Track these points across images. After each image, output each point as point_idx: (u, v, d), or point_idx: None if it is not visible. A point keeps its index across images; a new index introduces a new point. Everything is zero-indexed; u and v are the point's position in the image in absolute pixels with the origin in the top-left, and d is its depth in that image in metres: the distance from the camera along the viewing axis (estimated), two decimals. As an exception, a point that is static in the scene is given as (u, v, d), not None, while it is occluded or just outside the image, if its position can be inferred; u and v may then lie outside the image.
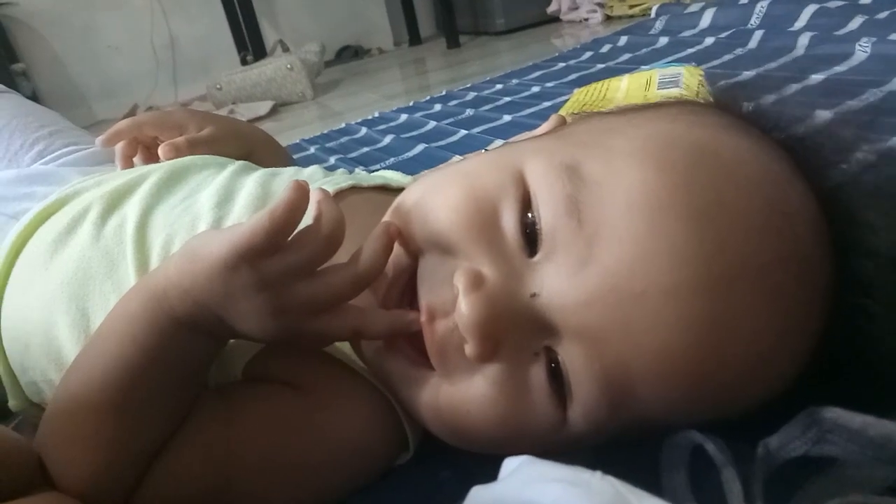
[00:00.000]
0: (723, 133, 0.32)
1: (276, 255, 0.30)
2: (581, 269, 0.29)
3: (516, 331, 0.30)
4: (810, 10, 1.24)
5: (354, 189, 0.46)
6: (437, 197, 0.32)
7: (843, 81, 0.89)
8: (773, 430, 0.30)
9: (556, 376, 0.30)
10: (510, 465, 0.25)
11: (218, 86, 2.06)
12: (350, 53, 2.71)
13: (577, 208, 0.29)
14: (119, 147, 0.54)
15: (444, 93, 1.47)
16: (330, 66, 2.53)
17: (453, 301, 0.30)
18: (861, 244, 0.32)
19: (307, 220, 0.31)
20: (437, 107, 1.32)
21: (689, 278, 0.28)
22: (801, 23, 1.23)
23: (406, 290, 0.33)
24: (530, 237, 0.30)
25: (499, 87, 1.39)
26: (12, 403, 0.43)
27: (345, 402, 0.36)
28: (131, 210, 0.43)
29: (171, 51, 2.55)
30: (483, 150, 0.40)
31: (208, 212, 0.42)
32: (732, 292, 0.28)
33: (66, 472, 0.32)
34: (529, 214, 0.30)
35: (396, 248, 0.33)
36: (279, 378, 0.36)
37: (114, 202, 0.45)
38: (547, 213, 0.30)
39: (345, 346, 0.35)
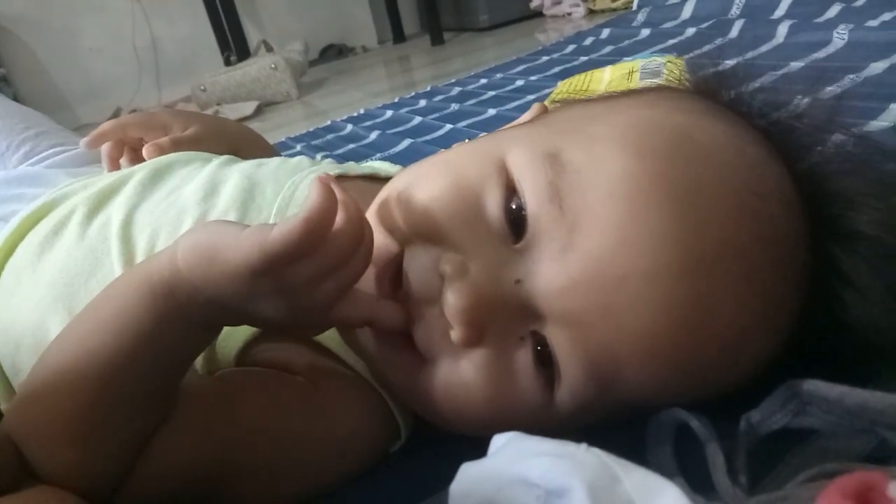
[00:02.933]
0: (701, 118, 0.33)
1: (304, 259, 0.29)
2: (563, 255, 0.29)
3: (501, 316, 0.30)
4: (789, -2, 1.25)
5: (342, 178, 0.46)
6: (421, 187, 0.33)
7: (821, 68, 0.90)
8: (754, 405, 0.32)
9: (544, 359, 0.31)
10: (498, 441, 0.26)
11: (202, 87, 2.05)
12: (334, 52, 2.70)
13: (558, 195, 0.30)
14: (104, 148, 0.54)
15: (428, 88, 1.47)
16: (314, 65, 2.52)
17: (439, 289, 0.30)
18: (838, 223, 0.33)
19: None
20: (422, 102, 1.33)
21: (668, 262, 0.28)
22: (780, 11, 1.24)
23: (394, 279, 0.33)
24: (514, 224, 0.31)
25: (483, 81, 1.40)
26: (4, 406, 0.43)
27: (339, 386, 0.36)
28: (116, 209, 0.43)
29: (154, 52, 2.53)
30: (466, 140, 0.41)
31: (194, 206, 0.42)
32: (711, 274, 0.29)
33: (46, 466, 0.31)
34: (513, 202, 0.31)
35: (384, 237, 0.33)
36: (274, 365, 0.36)
37: (99, 203, 0.45)
38: (530, 200, 0.30)
39: (334, 335, 0.36)
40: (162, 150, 0.52)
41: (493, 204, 0.31)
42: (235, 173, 0.45)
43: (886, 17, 1.04)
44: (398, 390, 0.35)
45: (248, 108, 1.96)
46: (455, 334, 0.30)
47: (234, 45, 2.31)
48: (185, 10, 2.50)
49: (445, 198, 0.32)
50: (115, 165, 0.54)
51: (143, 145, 0.53)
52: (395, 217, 0.33)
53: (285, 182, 0.44)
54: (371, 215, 0.34)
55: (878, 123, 0.66)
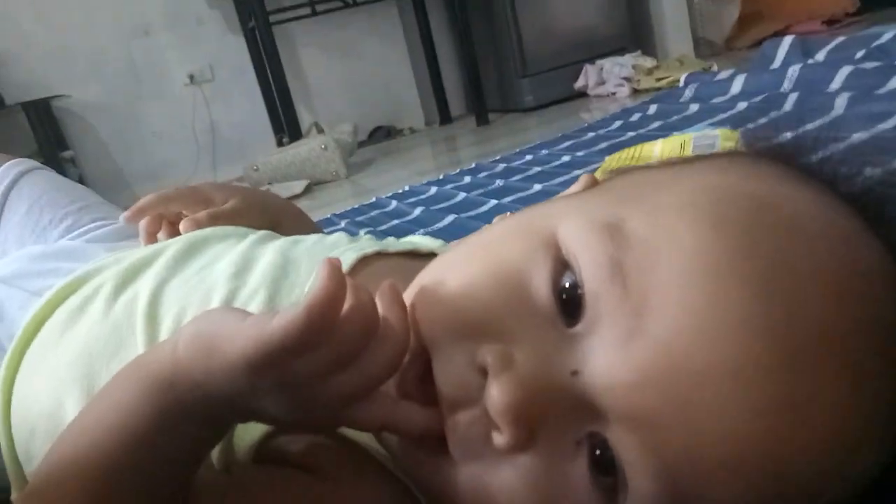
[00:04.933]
0: (781, 184, 0.29)
1: (307, 353, 0.26)
2: (629, 342, 0.25)
3: (554, 415, 0.26)
4: (845, 71, 1.22)
5: (380, 255, 0.43)
6: (454, 275, 0.29)
7: (889, 139, 0.85)
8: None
9: (604, 468, 0.26)
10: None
11: (255, 167, 2.12)
12: (382, 133, 2.78)
13: (621, 272, 0.25)
14: (143, 224, 0.52)
15: (473, 165, 1.47)
16: (363, 146, 2.60)
17: (478, 387, 0.26)
18: None
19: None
20: (467, 178, 1.32)
21: (756, 355, 0.24)
22: (836, 84, 1.21)
23: (421, 379, 0.29)
24: (568, 305, 0.26)
25: (528, 157, 1.39)
26: (15, 496, 0.41)
27: (363, 490, 0.32)
28: (144, 284, 0.41)
29: (212, 135, 2.65)
30: (508, 214, 0.37)
31: (224, 283, 0.40)
32: (809, 370, 0.24)
33: None
34: (567, 281, 0.27)
35: (416, 344, 0.28)
36: (293, 461, 0.32)
37: (128, 278, 0.43)
38: (587, 276, 0.26)
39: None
40: (199, 225, 0.50)
41: (541, 281, 0.27)
42: (270, 250, 0.43)
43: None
44: (430, 495, 0.30)
45: (298, 186, 2.01)
46: (500, 437, 0.25)
47: (286, 127, 2.40)
48: (243, 95, 2.63)
49: (484, 284, 0.28)
50: (152, 240, 0.53)
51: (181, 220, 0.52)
52: (421, 313, 0.29)
53: (321, 259, 0.41)
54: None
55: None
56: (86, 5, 2.45)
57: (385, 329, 0.27)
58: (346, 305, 0.26)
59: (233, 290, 0.40)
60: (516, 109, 2.59)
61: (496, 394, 0.25)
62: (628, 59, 2.40)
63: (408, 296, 0.30)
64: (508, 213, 0.41)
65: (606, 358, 0.25)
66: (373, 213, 1.22)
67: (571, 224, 0.28)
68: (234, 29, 2.62)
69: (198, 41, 2.61)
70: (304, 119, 2.53)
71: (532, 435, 0.25)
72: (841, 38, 1.45)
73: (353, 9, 2.62)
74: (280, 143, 2.43)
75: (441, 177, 1.43)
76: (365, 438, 0.32)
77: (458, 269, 0.30)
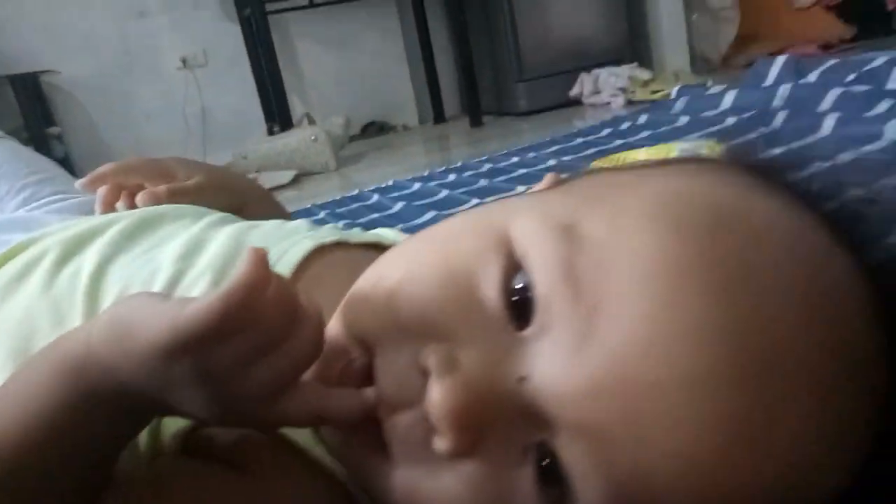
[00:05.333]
0: (750, 195, 0.28)
1: (226, 341, 0.24)
2: (581, 348, 0.23)
3: (500, 422, 0.24)
4: (835, 93, 1.22)
5: (340, 245, 0.42)
6: (402, 269, 0.28)
7: (873, 161, 0.85)
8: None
9: (550, 479, 0.24)
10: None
11: (244, 155, 2.10)
12: (375, 129, 2.76)
13: (574, 274, 0.24)
14: (100, 192, 0.50)
15: (459, 164, 1.46)
16: (355, 140, 2.58)
17: (420, 389, 0.24)
18: None
19: None
20: (452, 176, 1.31)
21: (713, 366, 0.22)
22: (826, 105, 1.21)
23: (364, 380, 0.27)
24: (519, 308, 0.25)
25: (515, 159, 1.39)
26: None
27: (290, 489, 0.30)
28: (89, 258, 0.39)
29: (202, 120, 2.62)
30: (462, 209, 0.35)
31: (170, 264, 0.38)
32: (768, 384, 0.23)
33: None
34: (517, 281, 0.25)
35: (350, 335, 0.28)
36: (219, 454, 0.31)
37: (72, 248, 0.41)
38: (539, 278, 0.25)
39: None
40: (158, 199, 0.48)
41: (491, 281, 0.25)
42: (223, 234, 0.41)
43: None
44: (372, 497, 0.29)
45: (286, 177, 1.99)
46: (440, 442, 0.24)
47: (278, 116, 2.38)
48: (235, 82, 2.61)
49: (431, 281, 0.26)
50: (108, 210, 0.50)
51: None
52: (364, 310, 0.28)
53: (274, 247, 0.40)
54: (337, 310, 0.29)
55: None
56: (81, -19, 2.42)
57: (302, 314, 0.26)
58: (270, 294, 0.25)
59: (177, 272, 0.38)
60: (511, 113, 2.58)
61: (437, 397, 0.24)
62: (624, 70, 2.40)
63: (353, 289, 0.29)
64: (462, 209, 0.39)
65: (556, 365, 0.24)
66: (354, 206, 1.21)
67: (526, 222, 0.27)
68: (230, 15, 2.59)
69: (193, 25, 2.59)
70: (297, 109, 2.51)
71: (475, 441, 0.24)
72: (833, 61, 1.45)
73: (352, 3, 2.60)
74: (271, 132, 2.41)
75: (426, 173, 1.42)
76: (303, 438, 0.31)
77: (407, 263, 0.28)
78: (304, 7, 2.52)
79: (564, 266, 0.24)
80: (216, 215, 0.46)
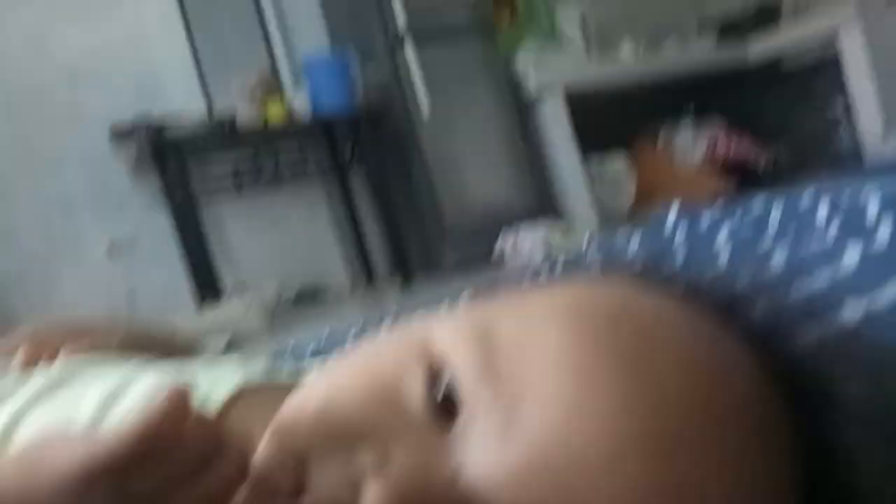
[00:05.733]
0: (644, 292, 0.31)
1: (142, 469, 0.24)
2: (505, 438, 0.25)
3: None
4: (726, 229, 1.36)
5: (270, 384, 0.42)
6: (328, 386, 0.29)
7: (766, 277, 0.95)
8: None
9: None
10: None
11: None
12: (306, 294, 2.79)
13: (492, 371, 0.26)
14: (20, 353, 0.49)
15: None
16: (286, 306, 2.59)
17: (354, 498, 0.25)
18: (818, 395, 0.29)
19: None
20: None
21: (627, 439, 0.24)
22: (720, 240, 1.35)
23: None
24: (443, 410, 0.27)
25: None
26: None
27: None
28: (4, 412, 0.39)
29: (128, 301, 2.56)
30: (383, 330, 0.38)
31: (91, 409, 0.38)
32: (681, 452, 0.25)
33: None
34: (440, 386, 0.27)
35: (280, 455, 0.28)
36: None
37: None
38: (460, 379, 0.27)
39: None
40: (77, 354, 0.47)
41: (414, 387, 0.27)
42: (147, 375, 0.41)
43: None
44: None
45: (216, 348, 1.96)
46: None
47: (208, 288, 2.38)
48: (163, 266, 2.59)
49: (355, 391, 0.28)
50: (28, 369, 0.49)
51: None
52: (293, 428, 0.28)
53: (202, 383, 0.40)
54: (266, 433, 0.29)
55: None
56: (5, 176, 2.43)
57: (224, 444, 0.26)
58: (187, 428, 0.25)
59: (99, 416, 0.37)
60: (439, 271, 2.69)
61: (373, 495, 0.24)
62: (542, 226, 2.59)
63: (282, 409, 0.30)
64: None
65: (484, 458, 0.25)
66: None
67: (444, 331, 0.29)
68: (158, 203, 2.61)
69: (120, 214, 2.61)
70: (227, 278, 2.51)
71: None
72: (723, 203, 1.64)
73: (280, 187, 2.72)
74: (201, 305, 2.39)
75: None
76: None
77: (333, 379, 0.30)
78: (233, 192, 2.60)
79: (482, 365, 0.27)
80: (141, 360, 0.47)
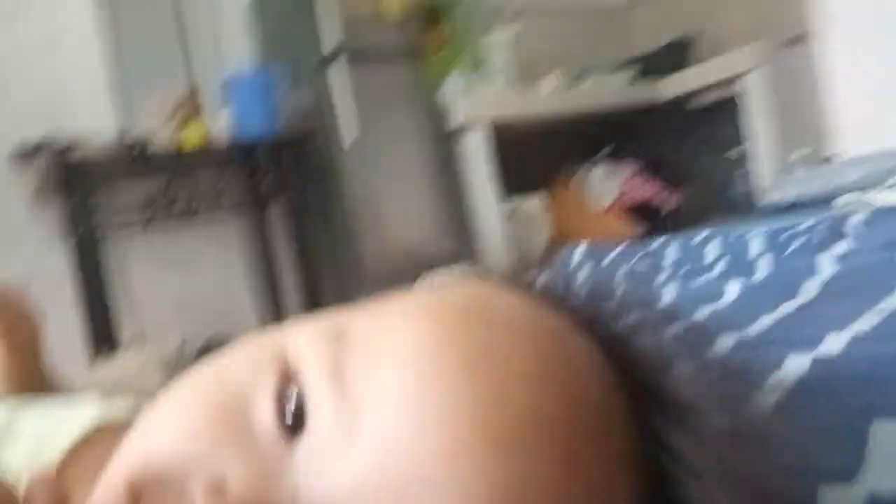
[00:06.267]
0: (499, 291, 0.32)
1: None
2: (349, 445, 0.24)
3: None
4: (623, 269, 1.39)
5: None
6: (165, 408, 0.28)
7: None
8: None
9: None
10: None
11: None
12: (213, 346, 2.66)
13: (341, 375, 0.25)
14: None
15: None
16: (189, 360, 2.45)
17: None
18: (654, 390, 0.29)
19: None
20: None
21: (464, 438, 0.24)
22: (618, 279, 1.37)
23: None
24: (294, 420, 0.26)
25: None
26: None
27: None
28: None
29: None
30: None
31: None
32: (520, 453, 0.24)
33: None
34: (290, 394, 0.26)
35: (115, 489, 0.26)
36: None
37: None
38: (310, 384, 0.26)
39: None
40: None
41: (264, 397, 0.26)
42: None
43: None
44: None
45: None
46: None
47: (104, 338, 2.23)
48: (56, 304, 2.41)
49: (197, 409, 0.27)
50: None
51: None
52: (127, 458, 0.27)
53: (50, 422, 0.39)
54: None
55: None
56: None
57: None
58: None
59: None
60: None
61: None
62: (457, 270, 2.58)
63: (119, 447, 0.28)
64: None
65: (326, 467, 0.24)
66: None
67: (300, 336, 0.28)
68: (56, 237, 2.49)
69: (13, 251, 2.45)
70: (126, 330, 2.37)
71: None
72: (622, 247, 1.68)
73: (193, 221, 2.64)
74: (95, 357, 2.24)
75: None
76: None
77: (175, 398, 0.28)
78: (140, 226, 2.50)
79: (333, 368, 0.26)
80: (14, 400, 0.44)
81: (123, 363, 2.04)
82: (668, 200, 3.18)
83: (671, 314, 0.40)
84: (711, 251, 1.32)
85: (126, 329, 2.37)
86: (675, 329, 0.41)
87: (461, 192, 2.86)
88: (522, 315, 0.30)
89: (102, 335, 2.26)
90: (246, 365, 0.28)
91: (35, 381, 0.52)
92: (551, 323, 0.30)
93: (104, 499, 0.26)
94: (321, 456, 0.25)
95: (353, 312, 0.31)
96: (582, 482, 0.25)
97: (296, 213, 2.62)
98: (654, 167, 3.24)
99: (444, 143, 2.80)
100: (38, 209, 2.45)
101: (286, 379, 0.27)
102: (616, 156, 3.28)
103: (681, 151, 3.21)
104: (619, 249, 1.88)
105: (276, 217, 2.81)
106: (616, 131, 3.23)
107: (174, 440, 0.26)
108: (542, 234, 3.04)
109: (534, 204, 3.00)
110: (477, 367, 0.26)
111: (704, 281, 1.12)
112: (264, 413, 0.26)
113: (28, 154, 2.26)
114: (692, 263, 1.24)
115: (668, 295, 1.15)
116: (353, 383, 0.25)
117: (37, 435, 0.37)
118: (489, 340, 0.27)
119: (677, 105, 3.08)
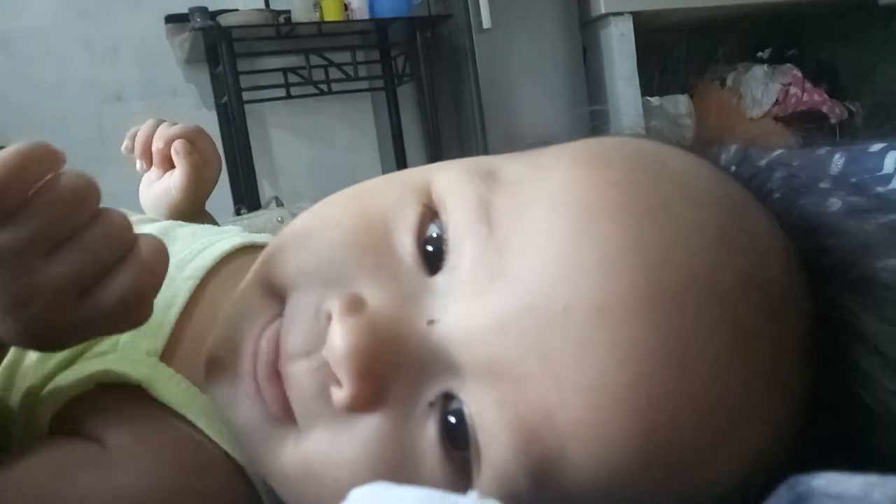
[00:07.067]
0: (673, 148, 0.29)
1: (7, 220, 0.22)
2: (491, 285, 0.23)
3: (406, 369, 0.23)
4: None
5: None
6: (316, 220, 0.28)
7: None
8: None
9: (456, 440, 0.23)
10: (356, 496, 0.18)
11: (208, 234, 2.10)
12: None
13: (488, 213, 0.24)
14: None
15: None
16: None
17: (320, 335, 0.23)
18: (850, 271, 0.26)
19: None
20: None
21: (624, 293, 0.22)
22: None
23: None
24: (433, 254, 0.25)
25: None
26: None
27: (155, 464, 0.27)
28: None
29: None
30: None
31: None
32: (680, 316, 0.22)
33: None
34: (433, 230, 0.25)
35: (262, 287, 0.27)
36: (88, 434, 0.28)
37: None
38: (453, 219, 0.25)
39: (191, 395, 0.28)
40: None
41: (407, 227, 0.26)
42: (152, 228, 0.43)
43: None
44: (261, 468, 0.26)
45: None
46: (340, 391, 0.22)
47: (247, 199, 2.39)
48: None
49: (345, 226, 0.26)
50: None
51: None
52: (277, 259, 0.27)
53: (202, 239, 0.40)
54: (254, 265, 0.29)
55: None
56: (60, 67, 2.46)
57: (97, 205, 0.24)
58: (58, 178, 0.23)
59: None
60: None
61: (337, 339, 0.22)
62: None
63: (271, 241, 0.29)
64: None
65: (465, 304, 0.23)
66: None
67: (447, 173, 0.27)
68: (207, 103, 2.65)
69: (170, 112, 2.63)
70: (267, 194, 2.53)
71: (376, 392, 0.22)
72: (779, 151, 1.54)
73: (328, 96, 2.70)
74: (238, 213, 2.41)
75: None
76: (196, 412, 0.28)
77: (324, 212, 0.29)
78: (280, 98, 2.59)
79: (480, 206, 0.24)
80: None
81: (264, 217, 2.20)
82: (837, 110, 2.84)
83: (884, 203, 0.35)
84: (890, 162, 1.17)
85: (267, 192, 2.52)
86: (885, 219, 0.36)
87: (599, 87, 2.69)
88: (701, 176, 0.27)
89: (244, 194, 2.42)
90: (391, 192, 0.27)
91: (195, 217, 0.56)
92: (732, 190, 0.27)
93: (248, 295, 0.27)
94: (461, 292, 0.23)
95: (500, 158, 0.29)
96: (745, 360, 0.23)
97: (426, 94, 2.59)
98: (823, 73, 2.88)
99: (583, 32, 2.62)
100: (190, 73, 2.60)
101: (429, 213, 0.26)
102: (777, 58, 2.94)
103: (859, 56, 2.81)
104: (775, 153, 1.73)
105: (407, 97, 2.80)
106: (779, 32, 2.87)
107: (318, 251, 0.26)
108: (686, 137, 2.85)
109: (679, 102, 2.78)
110: (644, 219, 0.23)
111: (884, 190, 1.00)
112: (406, 241, 0.25)
113: (180, 19, 2.37)
114: (867, 174, 1.11)
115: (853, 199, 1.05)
116: (502, 222, 0.24)
117: (189, 245, 0.39)
118: (661, 195, 0.24)
119: (864, 1, 2.66)
